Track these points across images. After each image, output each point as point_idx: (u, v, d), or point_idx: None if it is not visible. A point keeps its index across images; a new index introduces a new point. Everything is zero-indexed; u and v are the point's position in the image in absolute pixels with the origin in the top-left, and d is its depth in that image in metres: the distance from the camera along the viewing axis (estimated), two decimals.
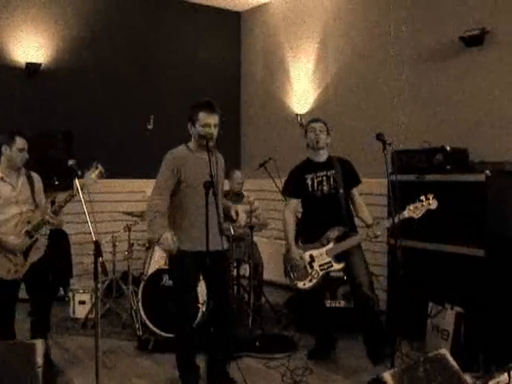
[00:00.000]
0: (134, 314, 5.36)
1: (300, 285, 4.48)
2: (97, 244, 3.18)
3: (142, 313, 5.17)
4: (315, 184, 4.47)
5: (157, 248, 5.62)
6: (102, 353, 3.93)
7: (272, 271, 6.70)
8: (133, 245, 5.83)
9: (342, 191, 4.41)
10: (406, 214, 4.10)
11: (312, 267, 4.42)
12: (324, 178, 4.46)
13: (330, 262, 4.37)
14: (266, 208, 6.63)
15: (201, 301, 4.91)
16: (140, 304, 5.19)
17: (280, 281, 6.92)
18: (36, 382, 2.96)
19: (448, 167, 4.74)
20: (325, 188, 4.45)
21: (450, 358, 3.09)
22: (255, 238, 5.97)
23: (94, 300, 5.54)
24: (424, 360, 3.00)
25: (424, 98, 5.73)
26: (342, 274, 4.81)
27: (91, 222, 3.44)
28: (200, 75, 7.86)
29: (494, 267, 4.40)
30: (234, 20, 8.37)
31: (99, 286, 4.58)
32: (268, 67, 7.91)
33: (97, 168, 4.16)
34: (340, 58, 6.74)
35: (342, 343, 4.80)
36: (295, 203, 4.59)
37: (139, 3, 7.47)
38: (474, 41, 5.16)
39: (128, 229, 5.76)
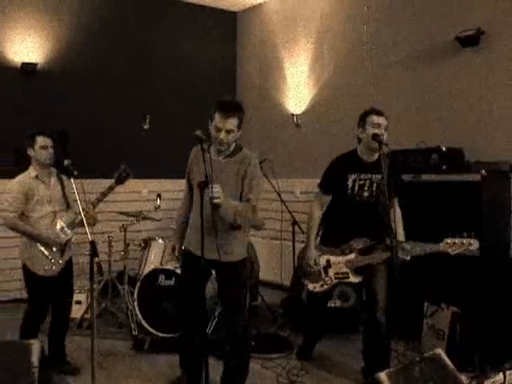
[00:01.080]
0: (129, 314, 5.35)
1: (310, 287, 4.23)
2: (93, 244, 3.18)
3: (138, 313, 5.15)
4: (356, 187, 4.03)
5: (152, 248, 5.62)
6: (97, 353, 3.92)
7: (268, 271, 6.70)
8: (129, 245, 5.83)
9: (383, 201, 3.86)
10: (441, 247, 3.78)
11: (327, 273, 4.14)
12: (367, 182, 4.03)
13: (347, 273, 4.07)
14: (261, 208, 6.62)
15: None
16: (136, 304, 5.17)
17: (276, 281, 6.94)
18: (32, 382, 2.95)
19: (444, 167, 4.74)
20: (365, 194, 4.04)
21: (446, 358, 3.10)
22: (251, 239, 5.97)
23: (89, 300, 5.53)
24: (420, 360, 3.01)
25: (420, 98, 5.73)
26: None
27: (80, 221, 3.45)
28: (196, 75, 7.86)
29: (489, 267, 4.41)
30: (229, 20, 8.36)
31: (95, 285, 4.60)
32: (264, 67, 7.91)
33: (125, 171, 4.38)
34: (336, 58, 6.74)
35: (337, 343, 4.81)
36: (327, 200, 4.21)
37: (135, 3, 7.45)
38: (470, 41, 5.17)
39: (124, 229, 5.76)
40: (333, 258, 4.13)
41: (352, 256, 4.06)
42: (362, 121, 4.04)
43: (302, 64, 7.20)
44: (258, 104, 7.99)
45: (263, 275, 6.43)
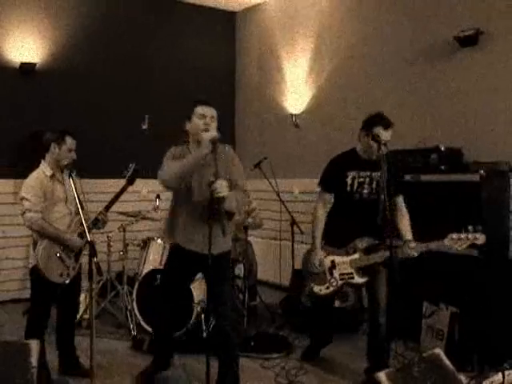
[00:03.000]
0: (128, 314, 5.36)
1: (316, 289, 4.19)
2: (91, 244, 3.18)
3: (137, 313, 5.16)
4: (355, 184, 4.02)
5: (151, 248, 5.62)
6: (96, 353, 3.92)
7: (267, 271, 6.70)
8: (128, 245, 5.82)
9: (383, 198, 3.82)
10: (446, 242, 3.73)
11: (332, 274, 4.10)
12: (367, 179, 4.01)
13: (351, 273, 4.03)
14: (260, 208, 6.63)
15: (196, 300, 4.92)
16: (134, 304, 5.18)
17: (275, 281, 6.94)
18: (30, 382, 2.95)
19: (443, 167, 4.75)
20: (365, 191, 4.01)
21: (445, 358, 3.09)
22: (249, 238, 5.98)
23: (88, 300, 5.52)
24: (419, 360, 3.00)
25: (418, 98, 5.73)
26: None
27: (86, 222, 3.45)
28: (195, 75, 7.85)
29: (488, 267, 4.41)
30: (229, 20, 8.36)
31: (94, 286, 4.59)
32: (263, 67, 7.91)
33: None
34: (335, 58, 6.74)
35: (337, 343, 4.79)
36: (329, 198, 4.18)
37: (134, 3, 7.45)
38: (469, 41, 5.17)
39: (123, 229, 5.76)
40: (337, 259, 4.09)
41: (356, 256, 4.03)
42: (369, 128, 3.96)
43: (301, 64, 7.20)
44: (256, 104, 7.99)
45: (262, 275, 6.43)
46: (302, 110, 7.21)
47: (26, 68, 6.53)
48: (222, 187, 3.42)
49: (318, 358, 4.63)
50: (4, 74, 6.43)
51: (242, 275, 5.63)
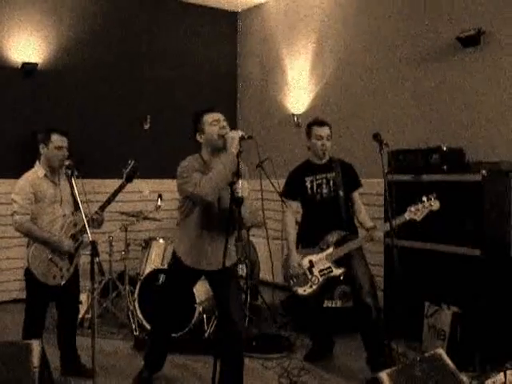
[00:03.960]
0: (130, 314, 5.36)
1: (300, 291, 4.35)
2: (93, 244, 3.18)
3: (139, 313, 5.17)
4: (314, 187, 4.37)
5: (153, 248, 5.62)
6: (98, 353, 3.91)
7: (269, 271, 6.69)
8: (129, 245, 5.83)
9: (342, 194, 4.29)
10: (406, 216, 4.00)
11: (312, 273, 4.30)
12: (324, 180, 4.36)
13: (330, 267, 4.26)
14: (262, 208, 6.62)
15: (197, 301, 4.92)
16: (136, 304, 5.18)
17: (277, 281, 6.92)
18: (32, 382, 2.95)
19: (444, 167, 4.74)
20: (324, 191, 4.34)
21: (447, 358, 3.09)
22: (251, 238, 5.97)
23: (90, 300, 5.53)
24: (420, 360, 3.00)
25: (420, 98, 5.73)
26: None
27: (87, 222, 3.45)
28: (197, 75, 7.85)
29: (490, 267, 4.41)
30: (230, 20, 8.36)
31: (96, 285, 4.59)
32: (265, 67, 7.91)
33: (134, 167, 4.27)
34: (337, 57, 6.74)
35: (338, 343, 4.79)
36: (295, 206, 4.48)
37: (136, 3, 7.46)
38: (471, 41, 5.17)
39: (125, 229, 5.76)
40: (314, 257, 4.32)
41: (330, 250, 4.27)
42: (308, 131, 4.43)
43: (303, 64, 7.20)
44: (258, 104, 7.99)
45: (263, 275, 6.42)
46: (303, 110, 7.20)
47: (28, 68, 6.53)
48: (243, 187, 3.33)
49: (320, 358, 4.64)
50: (6, 74, 6.44)
51: (243, 275, 5.63)
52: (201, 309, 4.96)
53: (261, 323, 5.45)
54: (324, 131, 4.33)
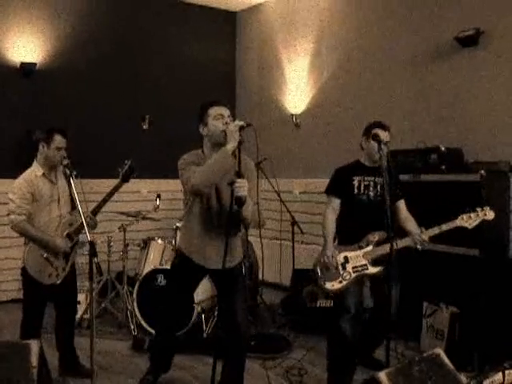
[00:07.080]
0: (129, 314, 5.36)
1: (328, 285, 4.17)
2: (92, 244, 3.17)
3: (137, 313, 5.16)
4: (362, 187, 4.18)
5: (152, 248, 5.62)
6: (96, 353, 3.92)
7: (267, 271, 6.69)
8: (128, 245, 5.82)
9: (388, 200, 3.88)
10: (457, 222, 3.90)
11: (345, 268, 4.13)
12: (371, 183, 4.18)
13: (365, 264, 4.10)
14: (261, 208, 6.62)
15: (196, 301, 4.92)
16: (135, 304, 5.18)
17: (275, 281, 6.93)
18: (31, 382, 2.95)
19: (443, 167, 4.75)
20: (371, 193, 4.17)
21: (445, 358, 3.09)
22: (250, 238, 5.96)
23: (88, 300, 5.53)
24: (419, 359, 3.00)
25: (419, 98, 5.74)
26: None
27: (86, 222, 3.45)
28: (195, 75, 7.86)
29: (488, 267, 4.41)
30: (229, 20, 8.36)
31: (94, 285, 4.59)
32: (263, 67, 7.91)
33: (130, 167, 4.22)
34: (335, 58, 6.74)
35: None
36: (337, 203, 4.27)
37: (134, 3, 7.46)
38: (469, 41, 5.18)
39: (123, 229, 5.75)
40: (351, 254, 4.16)
41: (369, 248, 4.12)
42: (368, 132, 4.15)
43: (302, 64, 7.20)
44: (257, 104, 7.99)
45: (262, 275, 6.42)
46: (302, 110, 7.20)
47: (27, 68, 6.53)
48: (243, 186, 3.27)
49: (320, 358, 4.62)
50: (4, 74, 6.44)
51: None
52: (199, 308, 4.96)
53: (259, 323, 5.45)
54: (387, 136, 4.11)
